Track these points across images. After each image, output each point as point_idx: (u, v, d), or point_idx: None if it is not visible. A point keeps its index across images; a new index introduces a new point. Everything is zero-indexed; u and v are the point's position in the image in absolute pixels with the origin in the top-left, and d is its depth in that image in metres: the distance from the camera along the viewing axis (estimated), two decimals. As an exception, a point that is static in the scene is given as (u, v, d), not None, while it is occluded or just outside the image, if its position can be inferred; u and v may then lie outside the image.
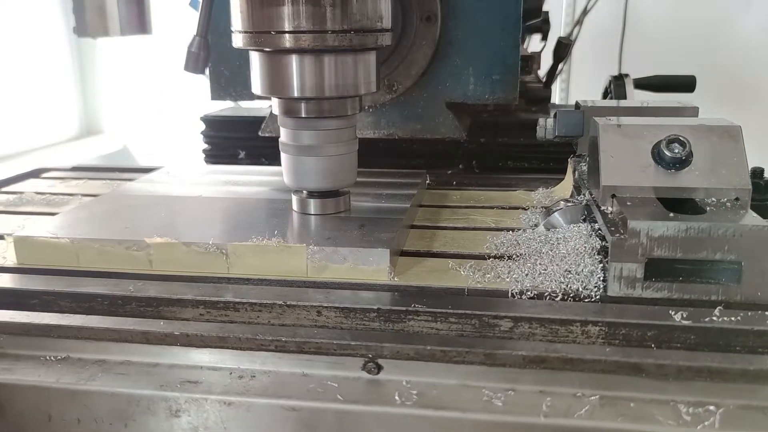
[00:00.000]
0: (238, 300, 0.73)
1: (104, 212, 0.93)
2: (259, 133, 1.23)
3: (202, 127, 1.44)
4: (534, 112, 1.44)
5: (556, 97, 3.04)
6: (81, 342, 0.70)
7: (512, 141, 1.32)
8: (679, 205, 0.75)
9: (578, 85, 3.06)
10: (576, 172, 0.99)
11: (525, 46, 1.86)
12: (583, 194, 0.90)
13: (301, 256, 0.78)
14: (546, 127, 1.03)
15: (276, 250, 0.78)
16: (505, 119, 1.36)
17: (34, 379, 0.67)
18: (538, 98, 1.54)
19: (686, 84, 1.66)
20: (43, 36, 3.22)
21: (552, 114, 1.03)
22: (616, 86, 1.50)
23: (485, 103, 1.17)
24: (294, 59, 0.84)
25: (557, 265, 0.76)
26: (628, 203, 0.76)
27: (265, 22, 0.82)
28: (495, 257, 0.82)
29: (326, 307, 0.71)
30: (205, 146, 1.44)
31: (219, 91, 1.22)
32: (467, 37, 1.11)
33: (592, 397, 0.62)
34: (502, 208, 1.02)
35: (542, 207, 1.00)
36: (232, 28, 0.85)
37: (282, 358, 0.67)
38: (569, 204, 0.88)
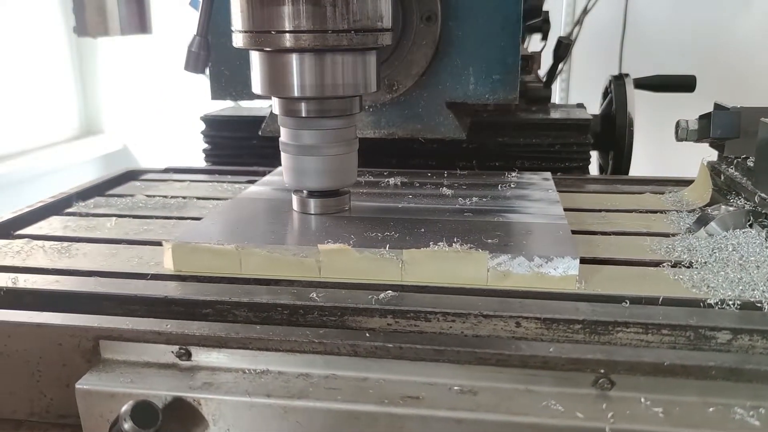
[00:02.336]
0: (429, 309, 0.70)
1: (243, 218, 0.92)
2: (260, 133, 1.23)
3: (202, 126, 1.43)
4: (534, 111, 1.43)
5: (556, 97, 3.04)
6: (281, 354, 0.67)
7: (512, 141, 1.32)
8: None
9: (578, 85, 3.06)
10: (722, 176, 0.98)
11: (525, 45, 1.86)
12: (738, 199, 0.90)
13: (482, 263, 0.75)
14: (687, 128, 1.02)
15: (455, 257, 0.76)
16: (505, 119, 1.36)
17: (244, 398, 0.64)
18: (538, 98, 1.54)
19: (686, 84, 1.66)
20: (42, 35, 3.22)
21: (697, 116, 1.02)
22: (617, 86, 1.50)
23: (486, 103, 1.16)
24: (294, 59, 0.84)
25: (750, 273, 0.73)
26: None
27: (266, 21, 0.81)
28: (672, 265, 0.79)
29: (526, 317, 0.69)
30: (205, 146, 1.44)
31: (219, 90, 1.22)
32: (467, 37, 1.11)
33: None
34: (639, 211, 1.01)
35: (686, 211, 0.98)
36: (232, 28, 0.85)
37: (504, 373, 0.64)
38: (731, 209, 0.87)
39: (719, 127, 0.98)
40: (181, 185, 1.20)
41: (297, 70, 0.84)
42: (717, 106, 1.01)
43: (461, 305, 0.71)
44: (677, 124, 1.01)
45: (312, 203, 0.92)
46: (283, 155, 0.92)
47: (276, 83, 0.86)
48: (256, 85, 0.88)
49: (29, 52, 3.13)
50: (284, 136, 0.91)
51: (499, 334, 0.69)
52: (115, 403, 0.66)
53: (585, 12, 2.53)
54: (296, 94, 0.85)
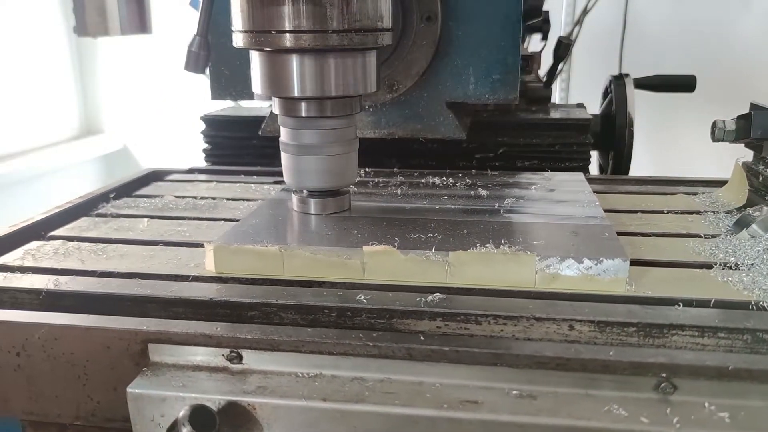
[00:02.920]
0: (480, 312, 0.70)
1: (280, 219, 0.92)
2: (260, 133, 1.22)
3: (203, 126, 1.43)
4: (534, 111, 1.43)
5: (556, 97, 3.04)
6: (334, 358, 0.67)
7: (512, 141, 1.32)
8: None
9: (579, 85, 3.07)
10: (760, 177, 0.98)
11: (525, 45, 1.86)
12: None
13: (531, 265, 0.75)
14: (725, 128, 1.02)
15: (503, 259, 0.76)
16: (505, 119, 1.36)
17: (299, 402, 0.63)
18: (539, 98, 1.54)
19: (686, 84, 1.66)
20: (42, 35, 3.20)
21: (735, 117, 1.01)
22: (617, 86, 1.50)
23: (485, 103, 1.16)
24: (294, 59, 0.83)
25: None
26: None
27: (266, 21, 0.81)
28: (719, 267, 0.79)
29: (579, 320, 0.68)
30: (206, 146, 1.43)
31: (219, 90, 1.21)
32: (467, 37, 1.10)
33: None
34: (675, 212, 1.01)
35: (723, 212, 0.98)
36: (232, 28, 0.84)
37: (564, 377, 0.63)
38: None
39: (760, 128, 0.98)
40: (208, 186, 1.19)
41: (297, 70, 0.84)
42: (754, 107, 1.00)
43: (511, 308, 0.71)
44: (714, 125, 1.01)
45: (312, 203, 0.92)
46: (283, 155, 0.92)
47: (276, 83, 0.86)
48: (256, 85, 0.88)
49: (29, 51, 3.11)
50: (284, 136, 0.91)
51: (551, 338, 0.69)
52: (167, 407, 0.65)
53: (585, 12, 2.54)
54: (296, 94, 0.85)
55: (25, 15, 3.05)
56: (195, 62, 0.96)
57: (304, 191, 0.93)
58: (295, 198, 0.94)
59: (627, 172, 1.48)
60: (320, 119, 0.88)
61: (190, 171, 1.31)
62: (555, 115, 1.38)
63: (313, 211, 0.92)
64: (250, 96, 1.19)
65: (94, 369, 0.71)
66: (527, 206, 0.95)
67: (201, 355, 0.69)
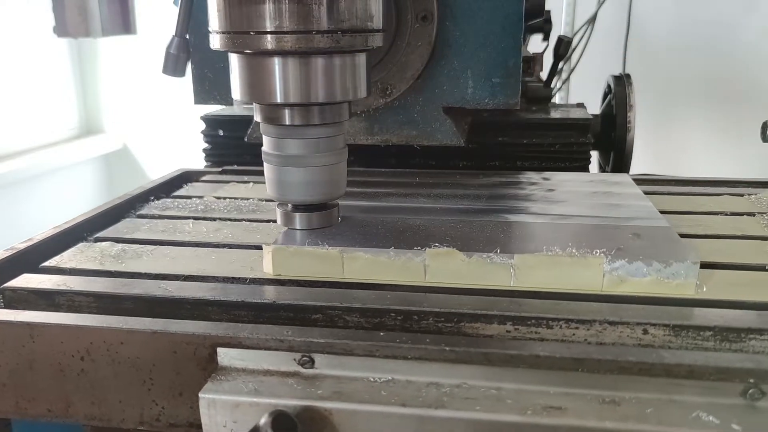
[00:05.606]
0: (551, 316, 0.69)
1: None
2: (246, 139, 1.16)
3: (203, 126, 1.41)
4: (534, 111, 1.42)
5: (556, 97, 3.04)
6: (408, 363, 0.65)
7: (513, 141, 1.31)
8: None
9: (581, 85, 3.07)
10: None
11: (525, 46, 1.85)
12: None
13: (598, 269, 0.74)
14: None
15: (570, 262, 0.75)
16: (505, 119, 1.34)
17: (378, 407, 0.62)
18: (539, 98, 1.53)
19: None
20: (42, 35, 3.17)
21: None
22: (617, 86, 1.49)
23: (485, 108, 1.10)
24: (276, 62, 0.77)
25: None
26: None
27: (244, 21, 0.74)
28: None
29: (653, 324, 0.67)
30: (206, 146, 1.42)
31: (203, 94, 1.13)
32: (466, 38, 1.04)
33: None
34: (725, 214, 1.00)
35: None
36: (209, 28, 0.79)
37: (645, 382, 0.62)
38: None
39: None
40: (246, 187, 1.18)
41: (279, 74, 0.78)
42: None
43: (582, 311, 0.70)
44: (764, 125, 1.01)
45: (297, 218, 0.87)
46: (265, 166, 0.86)
47: (257, 88, 0.79)
48: (236, 90, 0.82)
49: (29, 51, 3.09)
50: (267, 145, 0.85)
51: (624, 342, 0.69)
52: (240, 412, 0.64)
53: (593, 20, 2.55)
54: (279, 100, 0.79)
55: (25, 15, 3.03)
56: (174, 65, 0.92)
57: (289, 205, 0.88)
58: (278, 212, 0.88)
59: (627, 172, 1.47)
60: (305, 127, 0.82)
61: (224, 171, 1.29)
62: (555, 115, 1.37)
63: (298, 226, 0.87)
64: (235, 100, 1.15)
65: (159, 374, 0.70)
66: (580, 208, 0.94)
67: (272, 359, 0.67)
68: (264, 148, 0.85)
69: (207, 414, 0.65)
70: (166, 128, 3.42)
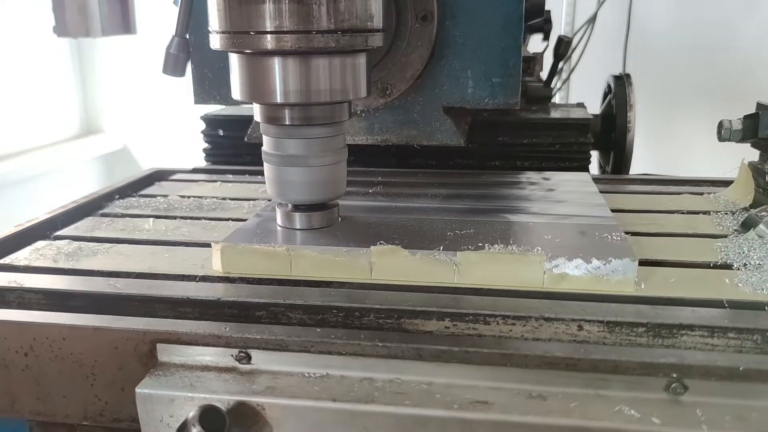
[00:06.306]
0: (489, 312, 0.70)
1: None
2: (246, 139, 1.17)
3: (203, 126, 1.42)
4: (534, 111, 1.42)
5: (556, 97, 3.04)
6: (343, 358, 0.66)
7: (512, 141, 1.31)
8: None
9: (581, 85, 3.06)
10: (767, 176, 0.99)
11: (525, 46, 1.84)
12: None
13: (539, 265, 0.75)
14: (731, 128, 1.01)
15: (511, 259, 0.75)
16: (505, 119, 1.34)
17: (309, 402, 0.63)
18: (540, 97, 1.53)
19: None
20: (43, 35, 3.19)
21: (742, 117, 1.00)
22: (617, 86, 1.50)
23: (485, 108, 1.10)
24: (276, 62, 0.77)
25: None
26: None
27: (244, 21, 0.75)
28: (726, 267, 0.79)
29: (588, 320, 0.68)
30: (206, 146, 1.43)
31: (203, 94, 1.14)
32: (466, 38, 1.04)
33: None
34: (681, 212, 1.01)
35: (730, 213, 0.98)
36: (209, 28, 0.80)
37: (574, 378, 0.63)
38: None
39: (767, 127, 0.98)
40: (213, 186, 1.19)
41: (279, 74, 0.78)
42: (761, 106, 1.00)
43: (520, 308, 0.71)
44: (720, 125, 1.01)
45: (297, 218, 0.87)
46: (265, 166, 0.86)
47: (257, 88, 0.80)
48: (236, 90, 0.82)
49: (30, 51, 3.11)
50: (267, 145, 0.85)
51: (560, 338, 0.69)
52: (176, 407, 0.65)
53: (593, 20, 2.55)
54: (279, 100, 0.79)
55: (25, 15, 3.05)
56: (174, 65, 0.93)
57: (289, 204, 0.88)
58: (279, 212, 0.89)
59: (627, 172, 1.48)
60: (305, 127, 0.82)
61: (194, 171, 1.30)
62: (555, 115, 1.37)
63: (298, 226, 0.87)
64: (235, 100, 1.15)
65: (101, 369, 0.71)
66: (531, 206, 0.95)
67: (209, 355, 0.68)
68: (264, 148, 0.86)
69: (144, 409, 0.66)
70: (166, 128, 3.44)
